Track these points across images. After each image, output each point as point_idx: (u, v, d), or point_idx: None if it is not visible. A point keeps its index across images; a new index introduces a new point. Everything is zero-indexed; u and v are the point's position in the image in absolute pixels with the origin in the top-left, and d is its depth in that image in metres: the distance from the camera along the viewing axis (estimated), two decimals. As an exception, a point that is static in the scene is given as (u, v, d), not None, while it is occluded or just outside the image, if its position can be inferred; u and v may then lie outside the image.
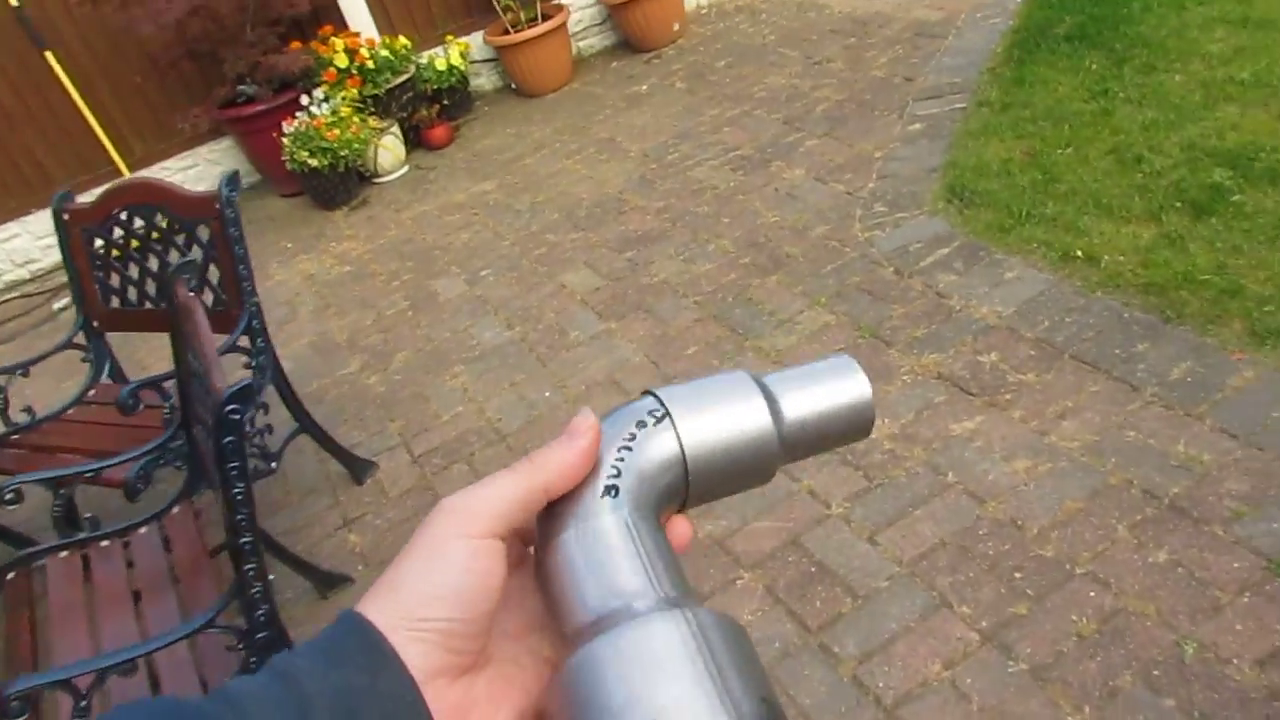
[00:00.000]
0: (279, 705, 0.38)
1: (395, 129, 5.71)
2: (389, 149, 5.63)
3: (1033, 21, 4.75)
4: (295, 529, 3.21)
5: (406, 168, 5.77)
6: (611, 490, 0.45)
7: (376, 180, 5.70)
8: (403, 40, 5.87)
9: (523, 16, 6.08)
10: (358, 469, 3.34)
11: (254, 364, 2.92)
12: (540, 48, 6.05)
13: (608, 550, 0.44)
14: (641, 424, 0.47)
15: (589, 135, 5.36)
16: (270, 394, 3.04)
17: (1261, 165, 3.26)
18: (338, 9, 5.89)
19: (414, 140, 5.93)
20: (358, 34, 5.77)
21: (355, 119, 5.36)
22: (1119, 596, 2.14)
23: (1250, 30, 4.08)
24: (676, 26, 6.22)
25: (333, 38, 5.58)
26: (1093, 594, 2.17)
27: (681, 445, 0.46)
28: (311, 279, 4.86)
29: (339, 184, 5.45)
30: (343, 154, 5.26)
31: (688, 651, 0.38)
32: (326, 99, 5.41)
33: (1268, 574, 2.10)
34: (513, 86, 6.38)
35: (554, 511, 0.46)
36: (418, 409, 3.59)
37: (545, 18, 6.08)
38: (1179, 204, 3.23)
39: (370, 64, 5.60)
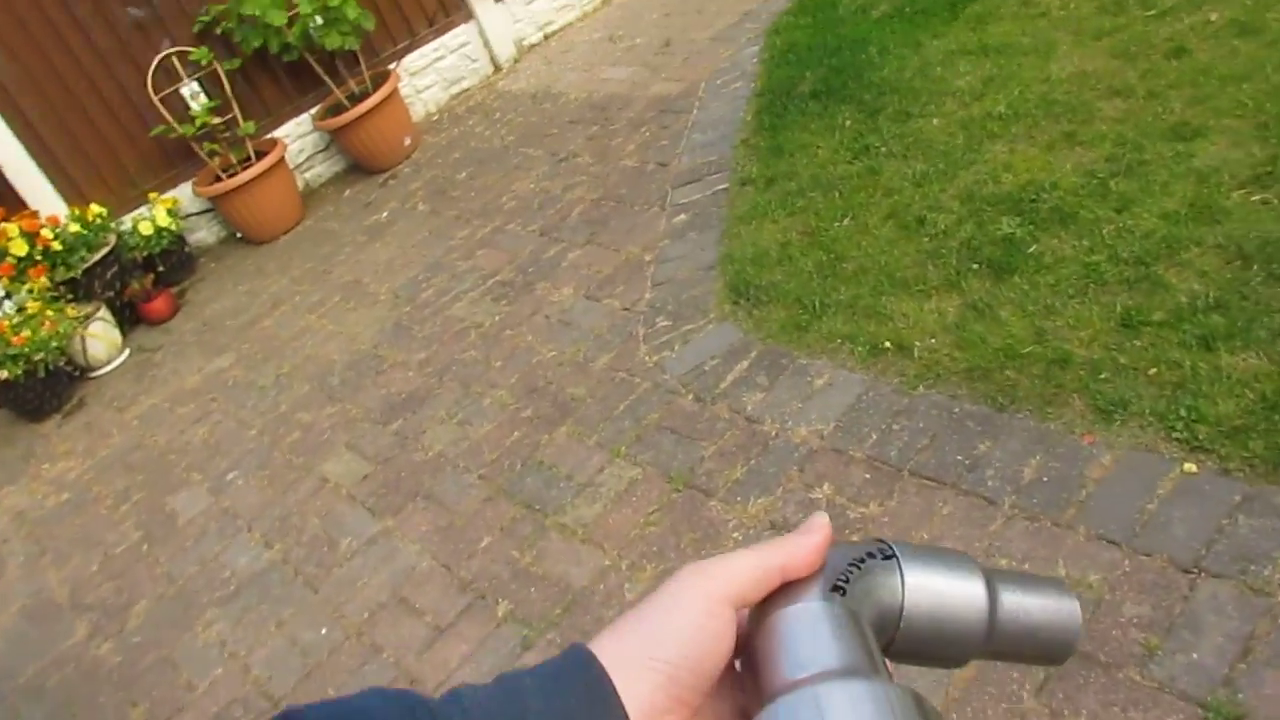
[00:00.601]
0: (502, 715, 0.42)
1: (104, 312, 4.93)
2: (100, 337, 4.84)
3: (775, 82, 4.52)
4: None
5: (126, 353, 4.99)
6: (840, 590, 0.47)
7: (92, 375, 4.89)
8: (96, 209, 5.10)
9: (234, 158, 5.44)
10: (94, 788, 2.61)
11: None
12: (261, 189, 5.41)
13: (834, 626, 0.45)
14: (871, 555, 0.49)
15: (331, 280, 4.76)
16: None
17: (1047, 207, 3.05)
18: (8, 186, 5.07)
19: (131, 318, 5.15)
20: (36, 213, 4.96)
21: (50, 312, 4.56)
22: (1052, 800, 1.75)
23: (992, 59, 3.96)
24: (408, 141, 5.72)
25: (3, 223, 4.76)
26: (1020, 802, 1.77)
27: (903, 588, 0.48)
28: (21, 517, 4.02)
29: (44, 390, 4.62)
30: (39, 357, 4.45)
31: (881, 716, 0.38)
32: (8, 295, 4.59)
33: (1208, 728, 1.75)
34: (238, 235, 5.69)
35: (780, 593, 0.48)
36: (164, 681, 2.89)
37: (260, 155, 5.47)
38: (975, 265, 2.97)
39: (58, 245, 4.81)
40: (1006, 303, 2.79)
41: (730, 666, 0.48)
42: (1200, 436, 2.23)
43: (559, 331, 3.56)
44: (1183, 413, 2.28)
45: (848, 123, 3.96)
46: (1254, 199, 2.77)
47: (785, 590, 0.48)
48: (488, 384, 3.47)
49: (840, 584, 0.47)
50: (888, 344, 2.82)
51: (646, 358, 3.21)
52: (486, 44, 6.40)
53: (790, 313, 3.10)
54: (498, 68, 6.44)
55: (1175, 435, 2.26)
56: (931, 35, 4.33)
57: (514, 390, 3.37)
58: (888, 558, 0.49)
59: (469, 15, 6.30)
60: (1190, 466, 2.19)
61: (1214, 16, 3.61)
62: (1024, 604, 0.51)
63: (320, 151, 5.96)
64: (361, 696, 0.43)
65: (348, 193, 5.71)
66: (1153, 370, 2.42)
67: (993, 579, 0.51)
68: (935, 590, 0.49)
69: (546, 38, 6.61)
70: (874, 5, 4.86)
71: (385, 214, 5.19)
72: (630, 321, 3.42)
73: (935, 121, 3.73)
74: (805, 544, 0.48)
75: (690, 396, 2.98)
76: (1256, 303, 2.46)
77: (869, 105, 4.00)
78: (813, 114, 4.13)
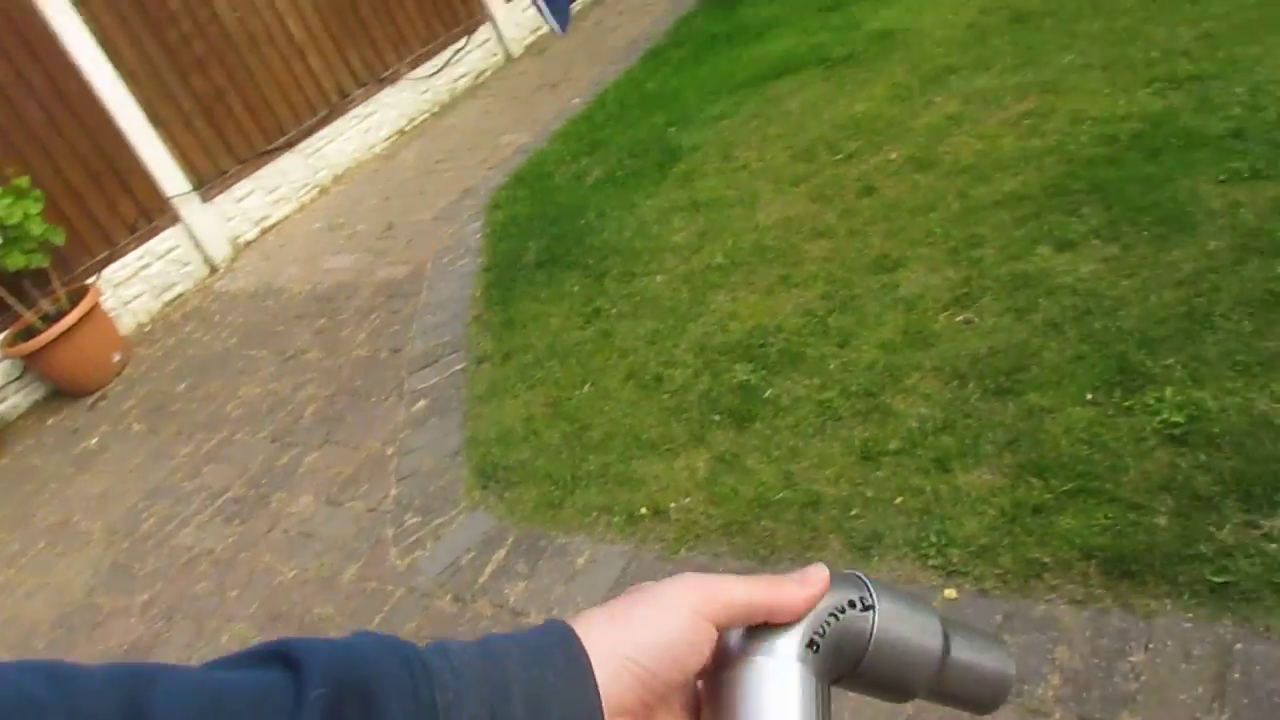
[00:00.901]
0: (487, 678, 0.44)
1: None
2: None
3: (500, 256, 4.51)
4: None
5: None
6: (814, 646, 0.50)
7: None
8: None
9: (-94, 402, 4.81)
10: None
11: None
12: (-58, 432, 4.80)
13: (801, 699, 0.48)
14: (853, 604, 0.52)
15: (34, 525, 4.22)
16: None
17: (775, 350, 3.12)
18: None
19: None
20: None
21: None
22: None
23: (704, 213, 4.11)
24: (117, 357, 5.28)
25: None
26: None
27: (871, 638, 0.51)
28: None
29: None
30: None
31: None
32: None
33: None
34: (-81, 487, 5.00)
35: (759, 633, 0.50)
36: None
37: (-61, 394, 4.87)
38: (717, 417, 2.97)
39: None
40: (752, 450, 2.79)
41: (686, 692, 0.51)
42: (954, 560, 2.25)
43: (300, 546, 3.26)
44: (933, 538, 2.30)
45: (575, 288, 3.97)
46: (958, 320, 2.93)
47: (767, 629, 0.50)
48: (224, 618, 3.10)
49: (816, 639, 0.50)
50: (644, 510, 2.74)
51: (398, 561, 2.98)
52: (198, 245, 6.09)
53: (542, 490, 2.97)
54: (213, 269, 6.14)
55: (931, 562, 2.27)
56: (644, 195, 4.47)
57: (255, 621, 3.03)
58: (868, 608, 0.52)
59: (175, 218, 6.00)
60: (950, 592, 2.20)
61: (894, 155, 3.92)
62: (972, 651, 0.56)
63: (13, 380, 5.39)
64: (356, 637, 0.43)
65: (50, 421, 5.17)
66: (899, 499, 2.45)
67: (950, 632, 0.54)
68: (898, 641, 0.52)
69: (264, 233, 6.39)
70: (587, 172, 5.00)
71: (95, 440, 4.71)
72: (377, 523, 3.19)
73: (659, 278, 3.80)
74: (799, 596, 0.50)
75: (449, 597, 2.77)
76: (979, 419, 2.56)
77: (594, 269, 4.04)
78: (540, 283, 4.12)
